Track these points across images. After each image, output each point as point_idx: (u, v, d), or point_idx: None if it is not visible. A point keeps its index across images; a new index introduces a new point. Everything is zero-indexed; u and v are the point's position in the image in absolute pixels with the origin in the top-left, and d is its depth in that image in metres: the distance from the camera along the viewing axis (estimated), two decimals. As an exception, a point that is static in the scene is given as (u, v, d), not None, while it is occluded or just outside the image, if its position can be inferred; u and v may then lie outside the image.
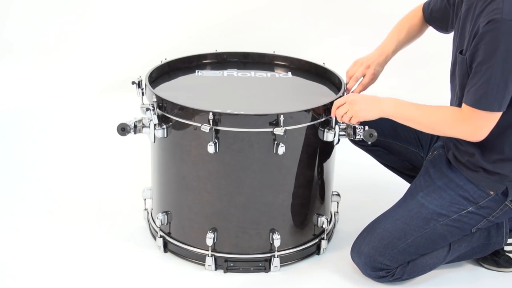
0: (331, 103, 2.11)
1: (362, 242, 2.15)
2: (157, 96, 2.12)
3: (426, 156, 2.31)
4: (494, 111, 1.92)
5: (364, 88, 2.32)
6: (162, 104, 2.12)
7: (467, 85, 1.95)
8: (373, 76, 2.32)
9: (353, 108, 2.06)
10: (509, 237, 2.23)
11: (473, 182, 2.08)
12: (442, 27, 2.32)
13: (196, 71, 2.47)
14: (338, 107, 2.09)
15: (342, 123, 2.12)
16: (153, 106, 2.12)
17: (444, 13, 2.26)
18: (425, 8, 2.34)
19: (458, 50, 2.04)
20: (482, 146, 2.04)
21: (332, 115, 2.11)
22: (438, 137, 2.31)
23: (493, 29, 1.86)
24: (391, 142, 2.41)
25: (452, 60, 2.13)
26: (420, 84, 3.64)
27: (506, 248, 2.24)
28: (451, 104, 2.17)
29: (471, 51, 1.93)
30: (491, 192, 2.07)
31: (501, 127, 1.99)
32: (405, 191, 2.23)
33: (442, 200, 2.10)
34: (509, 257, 2.25)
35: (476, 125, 1.95)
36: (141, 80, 2.23)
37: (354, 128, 2.14)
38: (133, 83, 2.22)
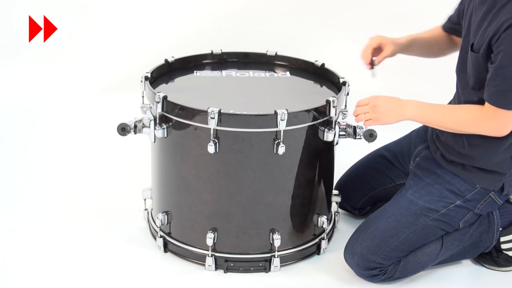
0: (331, 102, 2.11)
1: (354, 243, 2.17)
2: (157, 96, 2.12)
3: (409, 166, 2.35)
4: None
5: (382, 57, 2.29)
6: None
7: (487, 85, 1.98)
8: (390, 49, 2.28)
9: (375, 113, 2.07)
10: (502, 235, 2.24)
11: (463, 178, 2.13)
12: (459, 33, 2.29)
13: (194, 71, 2.47)
14: (359, 106, 2.10)
15: (360, 126, 2.13)
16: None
17: (459, 16, 2.25)
18: (444, 24, 2.33)
19: (470, 44, 2.06)
20: (480, 150, 2.08)
21: (354, 114, 2.12)
22: (409, 147, 2.38)
23: None
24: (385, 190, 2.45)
25: (461, 54, 2.14)
26: (425, 80, 3.64)
27: (503, 246, 2.25)
28: (456, 98, 2.21)
29: (494, 54, 1.94)
30: (477, 186, 2.12)
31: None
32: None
33: (431, 196, 2.15)
34: (508, 255, 2.25)
35: (500, 122, 2.00)
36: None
37: (354, 128, 2.15)
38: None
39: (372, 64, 2.28)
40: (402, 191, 2.22)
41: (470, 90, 2.07)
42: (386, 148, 2.46)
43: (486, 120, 2.00)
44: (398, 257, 2.13)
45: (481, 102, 2.02)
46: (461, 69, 2.13)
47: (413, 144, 2.36)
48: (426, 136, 2.32)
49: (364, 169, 2.49)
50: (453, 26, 2.29)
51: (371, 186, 2.46)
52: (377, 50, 2.30)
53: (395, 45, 2.29)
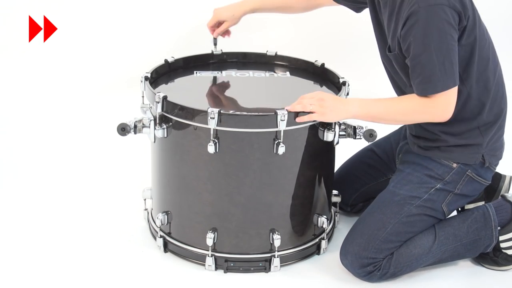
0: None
1: (346, 243, 2.19)
2: (157, 96, 2.12)
3: (395, 164, 2.39)
4: (447, 89, 2.00)
5: (220, 31, 2.58)
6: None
7: (411, 79, 2.04)
8: (227, 25, 2.57)
9: (321, 107, 2.03)
10: (500, 234, 2.24)
11: (442, 159, 2.16)
12: (354, 8, 2.42)
13: (195, 71, 2.47)
14: (305, 98, 2.06)
15: (298, 114, 2.04)
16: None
17: None
18: None
19: (386, 47, 2.14)
20: (443, 126, 2.12)
21: (297, 103, 2.05)
22: (397, 144, 2.39)
23: (416, 21, 1.94)
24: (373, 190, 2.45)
25: (381, 54, 2.23)
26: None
27: (502, 245, 2.25)
28: (397, 93, 2.26)
29: (404, 48, 2.00)
30: (454, 165, 2.16)
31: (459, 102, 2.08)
32: None
33: (411, 184, 2.18)
34: (507, 254, 2.25)
35: (440, 107, 2.03)
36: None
37: (354, 128, 2.14)
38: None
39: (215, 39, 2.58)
40: (386, 187, 2.26)
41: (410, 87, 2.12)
42: (376, 144, 2.47)
43: (430, 107, 2.04)
44: (390, 249, 2.15)
45: None
46: (393, 71, 2.19)
47: (400, 140, 2.39)
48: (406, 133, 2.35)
49: (355, 165, 2.50)
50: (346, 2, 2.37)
51: (363, 181, 2.47)
52: (219, 24, 2.57)
53: (234, 19, 2.55)
